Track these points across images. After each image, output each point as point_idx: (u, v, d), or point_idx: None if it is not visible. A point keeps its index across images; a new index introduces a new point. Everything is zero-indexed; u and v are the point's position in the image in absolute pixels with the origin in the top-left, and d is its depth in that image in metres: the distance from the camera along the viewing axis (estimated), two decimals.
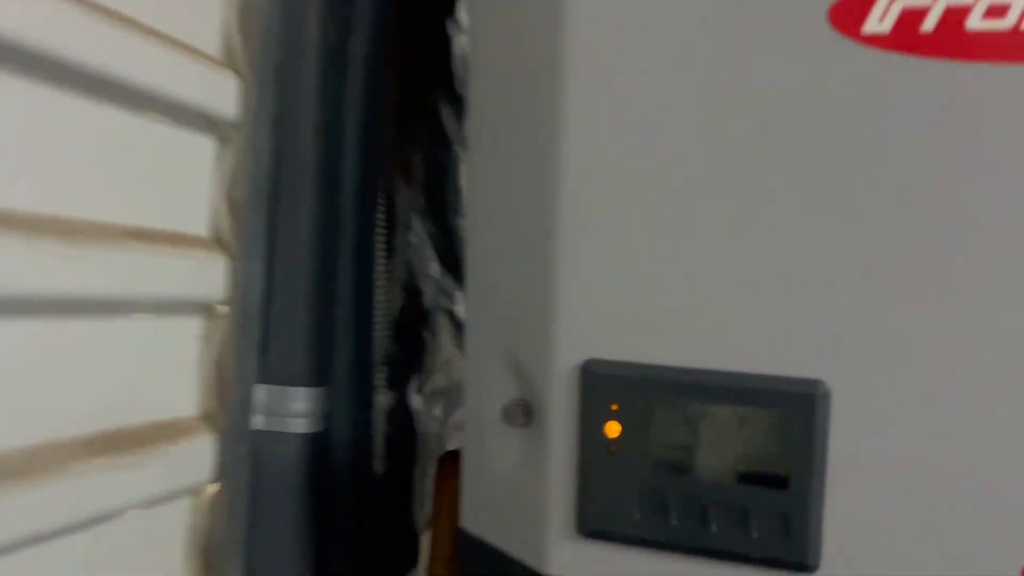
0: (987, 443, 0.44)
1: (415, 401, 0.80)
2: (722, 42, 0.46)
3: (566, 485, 0.52)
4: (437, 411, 0.79)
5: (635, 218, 0.49)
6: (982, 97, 0.41)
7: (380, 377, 0.81)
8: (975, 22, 0.40)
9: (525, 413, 0.54)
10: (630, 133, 0.49)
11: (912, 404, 0.45)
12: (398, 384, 0.81)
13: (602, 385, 0.50)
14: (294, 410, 0.71)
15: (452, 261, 0.78)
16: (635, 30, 0.49)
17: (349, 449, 0.75)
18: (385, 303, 0.80)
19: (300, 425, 0.72)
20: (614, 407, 0.50)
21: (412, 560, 0.80)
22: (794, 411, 0.46)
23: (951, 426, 0.44)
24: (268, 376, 0.71)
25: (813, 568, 0.47)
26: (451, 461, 0.75)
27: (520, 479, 0.54)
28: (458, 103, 0.76)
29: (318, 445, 0.72)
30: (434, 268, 0.78)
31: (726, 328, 0.48)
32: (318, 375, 0.72)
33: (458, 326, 0.78)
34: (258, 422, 0.69)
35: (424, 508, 0.80)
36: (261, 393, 0.69)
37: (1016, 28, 0.40)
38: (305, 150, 0.69)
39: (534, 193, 0.52)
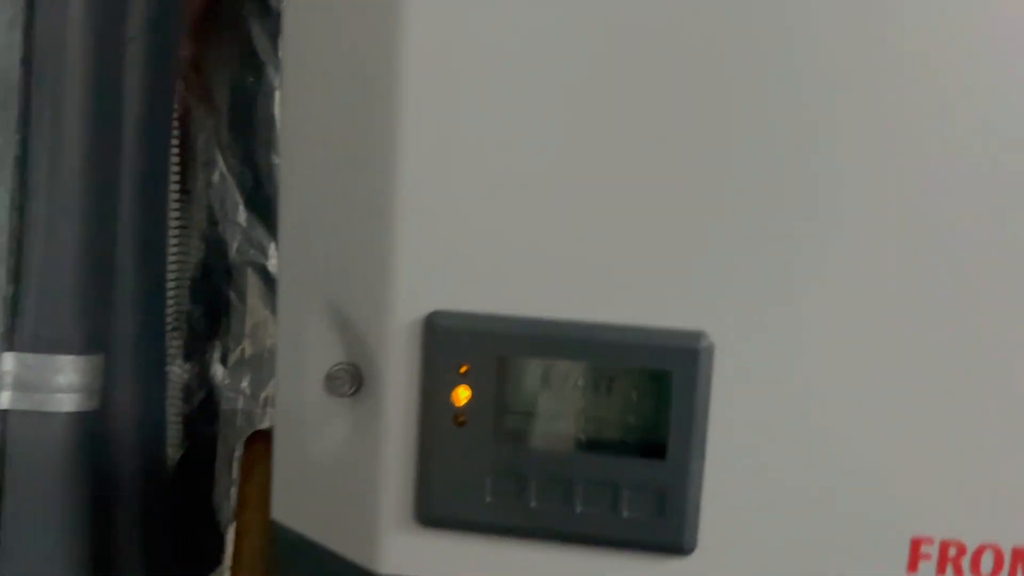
0: (883, 411, 0.39)
1: (218, 373, 0.68)
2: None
3: (403, 465, 0.43)
4: (244, 384, 0.67)
5: (482, 148, 0.41)
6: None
7: (174, 345, 0.68)
8: None
9: (353, 380, 0.44)
10: (471, 65, 0.40)
11: (804, 360, 0.40)
12: (197, 353, 0.68)
13: (449, 341, 0.41)
14: (59, 384, 0.57)
15: (263, 206, 0.66)
16: None
17: (133, 431, 0.62)
18: (179, 255, 0.67)
19: (67, 402, 0.58)
20: (463, 369, 0.41)
21: (215, 560, 0.68)
22: (673, 368, 0.39)
23: (846, 385, 0.39)
24: (22, 342, 0.56)
25: (689, 550, 0.40)
26: (261, 442, 0.64)
27: (345, 460, 0.45)
28: (272, 17, 0.64)
29: (92, 426, 0.59)
30: (241, 214, 0.66)
31: (592, 273, 0.40)
32: (91, 341, 0.58)
33: (270, 284, 0.66)
34: (5, 399, 0.55)
35: (230, 497, 0.68)
36: (10, 363, 0.55)
37: None
38: (70, 56, 0.55)
39: (366, 125, 0.42)
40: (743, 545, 0.41)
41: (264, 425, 0.68)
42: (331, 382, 0.44)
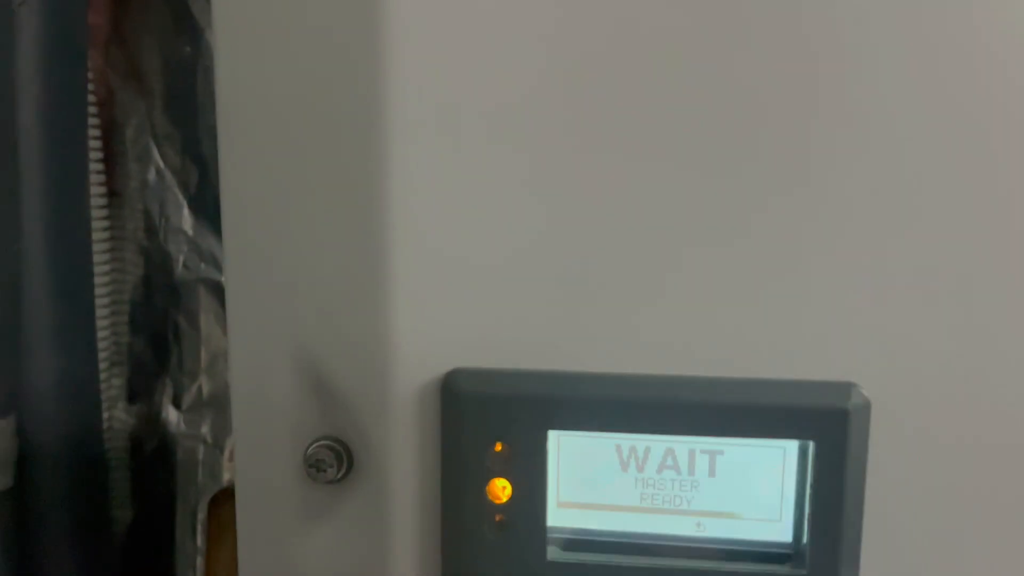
0: None
1: (171, 417, 0.55)
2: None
3: None
4: (204, 430, 0.54)
5: (500, 149, 0.28)
6: None
7: (114, 386, 0.54)
8: None
9: (340, 462, 0.31)
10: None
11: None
12: (144, 394, 0.55)
13: (479, 410, 0.28)
14: None
15: (213, 207, 0.52)
16: None
17: (65, 501, 0.49)
18: (112, 275, 0.53)
19: None
20: (498, 447, 0.28)
21: None
22: (814, 436, 0.27)
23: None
24: None
25: None
26: (230, 502, 0.51)
27: (336, 570, 0.32)
28: None
29: (7, 509, 0.46)
30: (186, 220, 0.52)
31: (667, 310, 0.28)
32: None
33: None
34: None
35: (195, 569, 0.55)
36: None
37: None
38: None
39: (343, 108, 0.29)
40: None
41: (232, 479, 0.55)
42: (311, 466, 0.32)
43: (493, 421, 0.28)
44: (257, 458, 0.33)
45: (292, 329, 0.31)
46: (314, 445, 0.31)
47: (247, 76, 0.30)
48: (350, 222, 0.29)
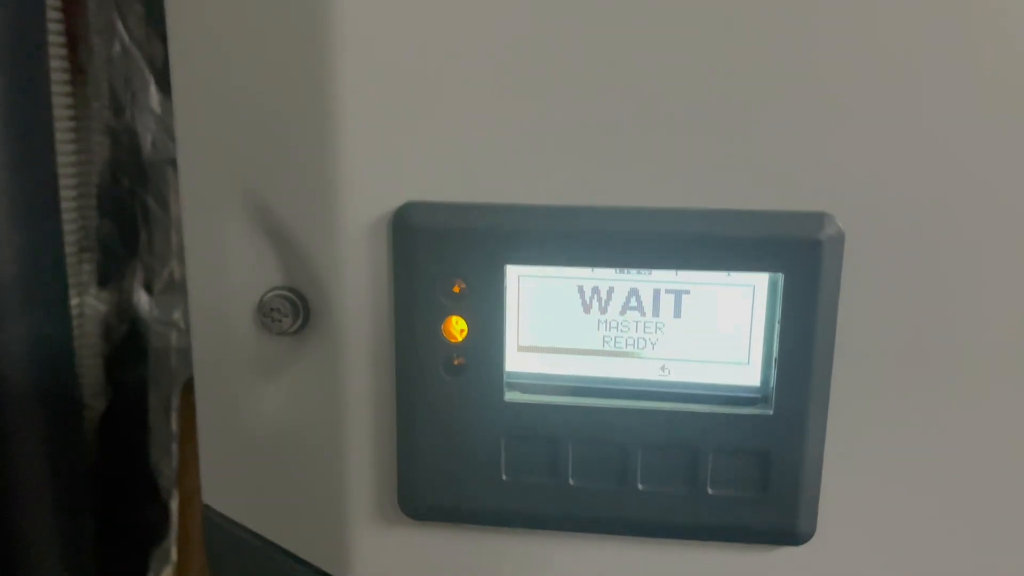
0: None
1: (143, 302, 0.54)
2: None
3: (375, 432, 0.29)
4: (177, 315, 0.53)
5: None
6: None
7: (84, 271, 0.53)
8: None
9: (296, 311, 0.30)
10: None
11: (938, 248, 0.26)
12: (114, 279, 0.54)
13: (434, 246, 0.27)
14: None
15: None
16: None
17: (30, 385, 0.48)
18: (77, 155, 0.51)
19: None
20: (456, 288, 0.27)
21: (157, 533, 0.55)
22: (784, 269, 0.26)
23: None
24: None
25: (805, 537, 0.27)
26: None
27: (292, 423, 0.31)
28: None
29: None
30: (153, 97, 0.50)
31: (632, 130, 0.26)
32: None
33: None
34: None
35: (170, 455, 0.55)
36: None
37: None
38: None
39: None
40: (872, 527, 0.28)
41: None
42: (265, 315, 0.30)
43: (448, 256, 0.27)
44: (212, 311, 0.32)
45: (241, 173, 0.30)
46: (269, 295, 0.30)
47: None
48: (293, 55, 0.27)
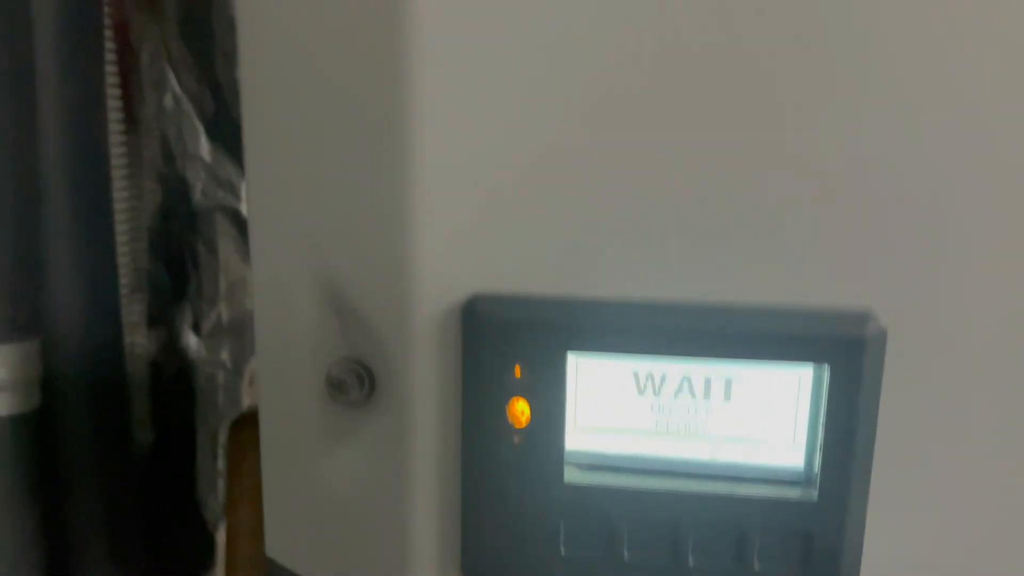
0: None
1: (191, 343, 0.56)
2: None
3: (439, 500, 0.31)
4: (224, 356, 0.55)
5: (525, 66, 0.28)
6: None
7: (135, 312, 0.55)
8: None
9: (362, 382, 0.32)
10: None
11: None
12: (164, 320, 0.56)
13: (499, 334, 0.28)
14: None
15: (230, 134, 0.52)
16: None
17: (88, 421, 0.50)
18: (130, 201, 0.53)
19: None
20: (518, 372, 0.29)
21: (203, 562, 0.57)
22: (830, 361, 0.27)
23: None
24: None
25: None
26: (251, 426, 0.52)
27: (358, 489, 0.33)
28: None
29: (33, 429, 0.47)
30: (203, 146, 0.53)
31: (692, 234, 0.28)
32: (20, 323, 0.45)
33: (246, 231, 0.53)
34: None
35: (216, 491, 0.57)
36: None
37: None
38: None
39: (366, 24, 0.29)
40: None
41: (252, 404, 0.57)
42: (334, 384, 0.32)
43: (513, 345, 0.28)
44: (279, 380, 0.34)
45: (314, 251, 0.32)
46: (336, 366, 0.32)
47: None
48: (371, 144, 0.29)
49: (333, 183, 0.31)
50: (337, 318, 0.32)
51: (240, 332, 0.55)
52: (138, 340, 0.56)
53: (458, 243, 0.29)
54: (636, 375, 0.29)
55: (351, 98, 0.29)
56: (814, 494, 0.28)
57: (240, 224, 0.54)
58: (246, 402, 0.56)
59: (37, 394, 0.47)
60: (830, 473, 0.28)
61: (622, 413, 0.30)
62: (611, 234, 0.28)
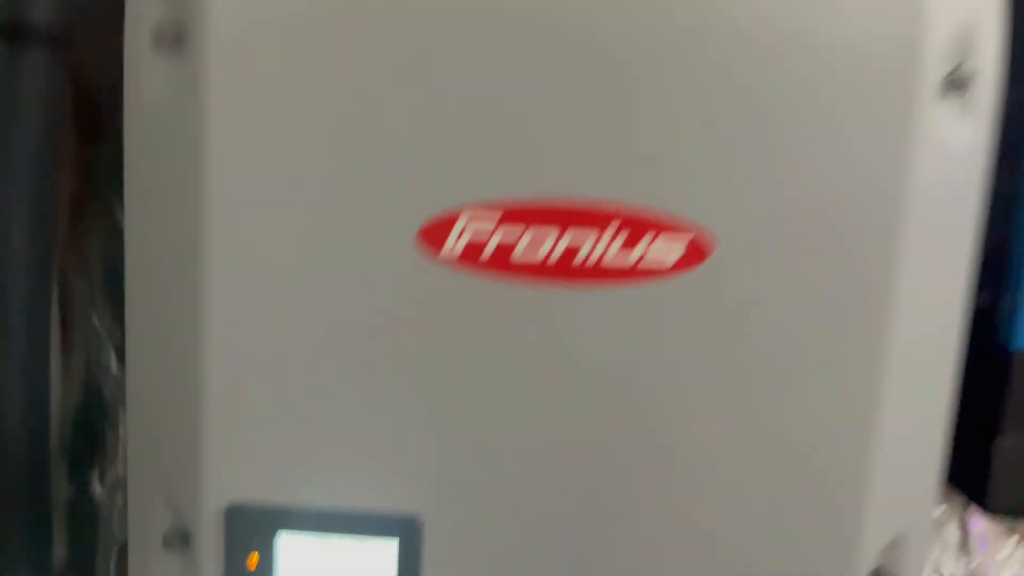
0: None
1: (97, 491, 0.83)
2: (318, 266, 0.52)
3: None
4: (119, 501, 0.83)
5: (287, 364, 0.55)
6: (525, 312, 0.53)
7: (59, 469, 0.82)
8: (518, 255, 0.51)
9: (182, 541, 0.60)
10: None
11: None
12: (79, 474, 0.83)
13: (242, 530, 0.56)
14: None
15: None
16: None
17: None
18: (62, 399, 0.81)
19: None
20: (253, 557, 0.56)
21: None
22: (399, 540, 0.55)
23: None
24: None
25: None
26: None
27: None
28: None
29: None
30: (114, 365, 0.81)
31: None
32: None
33: None
34: None
35: None
36: None
37: (543, 262, 0.52)
38: None
39: (181, 317, 0.53)
40: None
41: None
42: (167, 542, 0.60)
43: (253, 535, 0.57)
44: (139, 537, 0.62)
45: (154, 458, 0.59)
46: (169, 531, 0.60)
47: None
48: (181, 390, 0.57)
49: (165, 427, 0.59)
50: (168, 505, 0.60)
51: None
52: (60, 484, 0.83)
53: (229, 472, 0.57)
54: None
55: (174, 380, 0.58)
56: None
57: None
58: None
59: None
60: None
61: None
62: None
